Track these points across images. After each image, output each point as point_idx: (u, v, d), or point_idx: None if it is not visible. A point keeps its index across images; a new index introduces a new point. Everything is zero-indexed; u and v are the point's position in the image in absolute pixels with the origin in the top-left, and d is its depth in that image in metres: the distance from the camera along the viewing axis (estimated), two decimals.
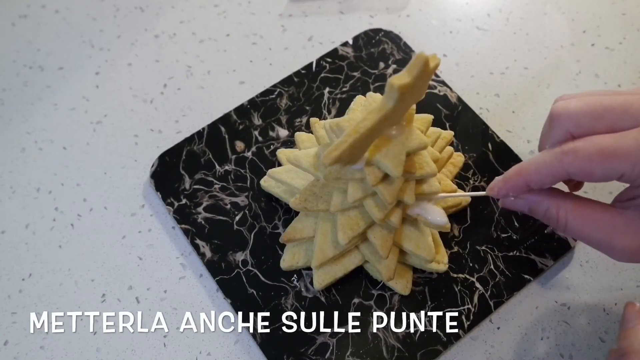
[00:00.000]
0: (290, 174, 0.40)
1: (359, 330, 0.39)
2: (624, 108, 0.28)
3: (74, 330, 0.40)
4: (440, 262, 0.40)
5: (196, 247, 0.42)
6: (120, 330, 0.40)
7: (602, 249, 0.30)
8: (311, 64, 0.49)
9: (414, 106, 0.33)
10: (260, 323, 0.39)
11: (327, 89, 0.48)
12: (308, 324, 0.39)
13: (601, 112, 0.28)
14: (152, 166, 0.45)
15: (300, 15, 0.54)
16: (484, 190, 0.37)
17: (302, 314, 0.40)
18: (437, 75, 0.49)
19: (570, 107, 0.29)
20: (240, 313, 0.39)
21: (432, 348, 0.38)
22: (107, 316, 0.41)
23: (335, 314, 0.40)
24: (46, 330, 0.40)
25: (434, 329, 0.39)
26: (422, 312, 0.40)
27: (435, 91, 0.48)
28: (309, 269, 0.41)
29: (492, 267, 0.41)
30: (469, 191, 0.44)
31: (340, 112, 0.47)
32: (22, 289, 0.42)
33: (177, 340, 0.40)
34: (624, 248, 0.29)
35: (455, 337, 0.39)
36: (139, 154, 0.47)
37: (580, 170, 0.28)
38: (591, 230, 0.29)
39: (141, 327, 0.40)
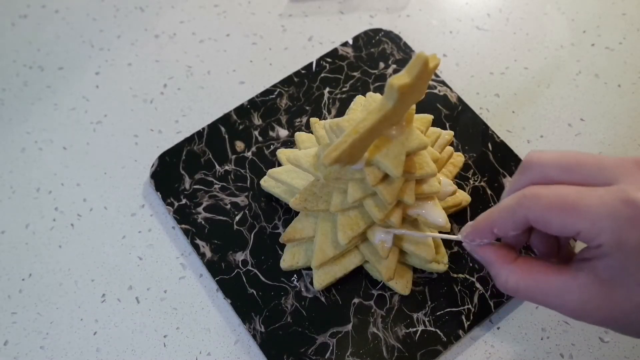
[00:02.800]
0: (290, 174, 0.40)
1: (359, 330, 0.39)
2: (598, 165, 0.27)
3: (74, 330, 0.40)
4: (440, 262, 0.40)
5: (196, 247, 0.42)
6: (120, 330, 0.40)
7: (553, 309, 0.28)
8: (311, 64, 0.49)
9: (414, 106, 0.33)
10: (260, 323, 0.39)
11: (327, 89, 0.48)
12: (308, 324, 0.39)
13: (574, 166, 0.27)
14: (152, 166, 0.45)
15: (300, 15, 0.54)
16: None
17: (302, 314, 0.40)
18: (437, 75, 0.49)
19: (543, 157, 0.28)
20: (240, 313, 0.39)
21: (432, 348, 0.38)
22: (107, 316, 0.41)
23: (335, 314, 0.40)
24: (47, 331, 0.40)
25: (434, 329, 0.39)
26: (422, 312, 0.40)
27: (435, 91, 0.48)
28: (309, 269, 0.41)
29: None
30: (468, 191, 0.44)
31: (340, 112, 0.47)
32: (22, 289, 0.42)
33: (177, 340, 0.40)
34: (576, 311, 0.27)
35: (455, 337, 0.39)
36: (139, 154, 0.47)
37: (539, 218, 0.27)
38: (544, 297, 0.28)
39: (141, 327, 0.40)
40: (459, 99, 0.48)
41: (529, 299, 0.29)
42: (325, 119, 0.47)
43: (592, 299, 0.26)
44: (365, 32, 0.51)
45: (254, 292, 0.40)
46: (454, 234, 0.42)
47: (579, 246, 0.31)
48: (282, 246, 0.42)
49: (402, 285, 0.40)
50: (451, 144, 0.44)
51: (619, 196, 0.25)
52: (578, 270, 0.27)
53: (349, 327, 0.39)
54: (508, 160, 0.45)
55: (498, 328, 0.40)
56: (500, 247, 0.30)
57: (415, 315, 0.40)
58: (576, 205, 0.25)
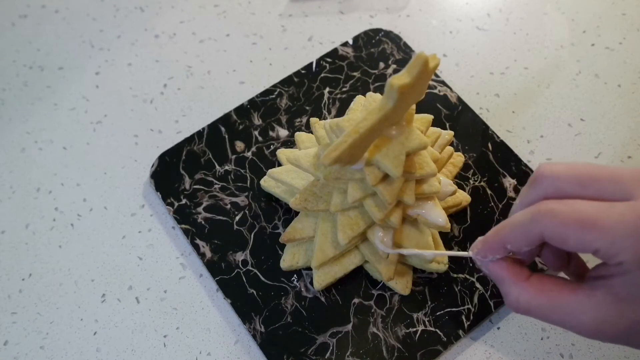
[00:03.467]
0: (290, 174, 0.40)
1: (359, 330, 0.39)
2: (614, 179, 0.26)
3: (74, 330, 0.40)
4: (440, 262, 0.40)
5: (196, 247, 0.42)
6: (120, 330, 0.40)
7: (568, 329, 0.28)
8: (311, 64, 0.49)
9: (414, 106, 0.33)
10: (260, 323, 0.39)
11: (327, 89, 0.48)
12: (308, 324, 0.39)
13: (588, 180, 0.26)
14: (152, 166, 0.45)
15: (300, 15, 0.54)
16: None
17: (302, 314, 0.40)
18: (437, 75, 0.49)
19: (556, 170, 0.27)
20: (240, 313, 0.39)
21: (432, 348, 0.38)
22: (107, 316, 0.41)
23: (335, 314, 0.40)
24: (47, 331, 0.40)
25: (434, 329, 0.39)
26: (422, 312, 0.40)
27: (435, 91, 0.48)
28: (309, 269, 0.41)
29: None
30: (468, 191, 0.44)
31: (340, 112, 0.47)
32: (22, 289, 0.42)
33: (177, 340, 0.40)
34: (592, 330, 0.27)
35: (455, 337, 0.39)
36: (139, 154, 0.47)
37: (555, 235, 0.26)
38: (557, 317, 0.27)
39: (141, 327, 0.40)
40: (459, 99, 0.48)
41: (542, 319, 0.28)
42: (325, 119, 0.47)
43: (609, 318, 0.26)
44: (365, 32, 0.51)
45: (254, 292, 0.40)
46: (453, 233, 0.42)
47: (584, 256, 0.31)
48: (282, 246, 0.42)
49: (402, 285, 0.40)
50: (451, 144, 0.44)
51: (639, 213, 0.24)
52: (593, 289, 0.26)
53: (349, 327, 0.39)
54: (508, 160, 0.45)
55: (498, 328, 0.40)
56: (513, 264, 0.29)
57: (415, 315, 0.40)
58: (595, 223, 0.25)
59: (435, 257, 0.38)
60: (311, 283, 0.40)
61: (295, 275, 0.41)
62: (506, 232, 0.28)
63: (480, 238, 0.30)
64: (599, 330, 0.26)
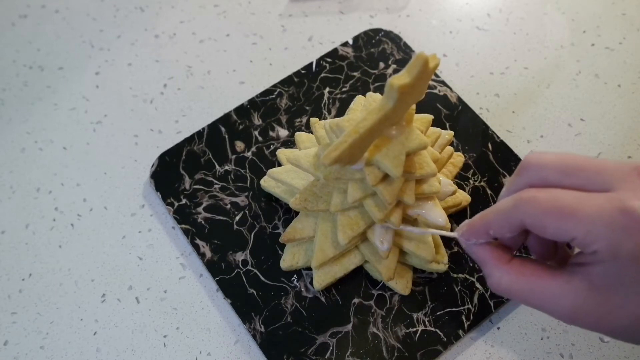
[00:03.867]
0: (290, 174, 0.40)
1: (359, 330, 0.39)
2: (598, 170, 0.26)
3: (74, 330, 0.40)
4: (440, 262, 0.40)
5: (196, 247, 0.42)
6: (120, 330, 0.40)
7: (547, 313, 0.28)
8: (311, 64, 0.49)
9: (414, 106, 0.33)
10: (260, 323, 0.39)
11: (327, 89, 0.48)
12: (308, 324, 0.39)
13: (573, 170, 0.27)
14: (152, 166, 0.45)
15: (300, 15, 0.54)
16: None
17: (302, 314, 0.40)
18: (437, 75, 0.49)
19: (542, 159, 0.28)
20: (240, 313, 0.39)
21: (432, 348, 0.38)
22: (107, 316, 0.41)
23: (335, 314, 0.40)
24: (47, 331, 0.40)
25: (434, 329, 0.39)
26: (422, 312, 0.40)
27: (435, 91, 0.48)
28: (309, 269, 0.41)
29: None
30: (468, 191, 0.44)
31: (340, 112, 0.47)
32: (22, 289, 0.42)
33: (177, 340, 0.40)
34: (569, 316, 0.27)
35: (455, 337, 0.39)
36: (139, 154, 0.47)
37: (535, 222, 0.26)
38: (536, 300, 0.28)
39: (141, 327, 0.40)
40: (459, 99, 0.48)
41: (522, 301, 0.28)
42: (325, 119, 0.47)
43: (585, 305, 0.26)
44: (365, 32, 0.51)
45: (254, 292, 0.40)
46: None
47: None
48: (282, 246, 0.42)
49: (402, 285, 0.40)
50: (451, 144, 0.44)
51: (616, 205, 0.25)
52: (572, 275, 0.27)
53: (349, 327, 0.39)
54: (508, 160, 0.45)
55: (498, 328, 0.40)
56: (496, 247, 0.30)
57: (415, 315, 0.40)
58: (573, 212, 0.25)
59: (425, 236, 0.38)
60: (311, 283, 0.40)
61: (295, 275, 0.41)
62: (490, 218, 0.29)
63: (466, 221, 0.31)
64: (576, 316, 0.27)
